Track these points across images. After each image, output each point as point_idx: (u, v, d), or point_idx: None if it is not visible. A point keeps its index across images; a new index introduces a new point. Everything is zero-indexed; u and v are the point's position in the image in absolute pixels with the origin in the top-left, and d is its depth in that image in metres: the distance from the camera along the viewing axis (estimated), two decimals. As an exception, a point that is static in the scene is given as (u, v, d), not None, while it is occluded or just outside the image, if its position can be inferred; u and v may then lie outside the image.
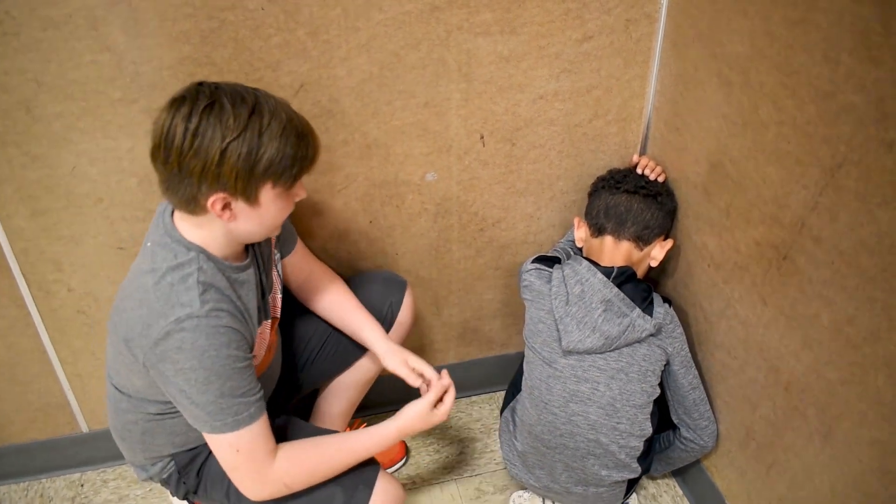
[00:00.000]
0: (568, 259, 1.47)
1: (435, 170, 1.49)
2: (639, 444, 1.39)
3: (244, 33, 1.25)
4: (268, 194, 1.00)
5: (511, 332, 1.82)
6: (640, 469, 1.42)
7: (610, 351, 1.35)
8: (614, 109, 1.51)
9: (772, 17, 1.12)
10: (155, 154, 0.97)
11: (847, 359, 1.08)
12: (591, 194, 1.52)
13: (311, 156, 1.03)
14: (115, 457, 1.68)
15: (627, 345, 1.35)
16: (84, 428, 1.63)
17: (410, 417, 1.20)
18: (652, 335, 1.36)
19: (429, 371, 1.26)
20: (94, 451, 1.67)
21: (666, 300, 1.41)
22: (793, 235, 1.16)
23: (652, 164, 1.50)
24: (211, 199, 0.97)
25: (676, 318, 1.41)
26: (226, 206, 0.99)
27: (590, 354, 1.36)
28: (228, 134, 0.93)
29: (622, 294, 1.35)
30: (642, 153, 1.57)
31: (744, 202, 1.27)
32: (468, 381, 1.86)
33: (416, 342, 1.75)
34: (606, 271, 1.37)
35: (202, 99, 0.95)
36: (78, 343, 1.50)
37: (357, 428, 1.71)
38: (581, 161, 1.57)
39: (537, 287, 1.43)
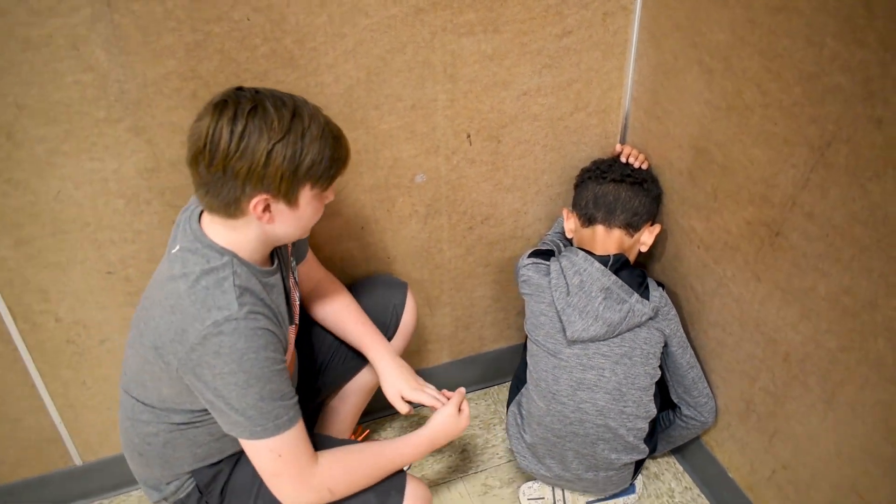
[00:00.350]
0: (561, 251, 1.49)
1: (424, 171, 1.50)
2: (645, 426, 1.43)
3: (230, 45, 1.23)
4: (306, 196, 1.02)
5: (502, 327, 1.84)
6: (647, 449, 1.46)
7: (613, 337, 1.38)
8: (594, 101, 1.55)
9: (753, 6, 1.16)
10: (197, 158, 0.97)
11: (846, 326, 1.13)
12: (577, 186, 1.55)
13: (346, 157, 1.05)
14: (111, 487, 1.63)
15: (629, 330, 1.39)
16: (78, 461, 1.58)
17: (439, 423, 1.24)
18: (651, 318, 1.39)
19: (427, 399, 1.29)
20: (90, 483, 1.61)
21: (659, 284, 1.45)
22: (784, 213, 1.21)
23: (635, 152, 1.53)
24: (254, 201, 0.98)
25: (670, 301, 1.45)
26: (266, 208, 1.00)
27: (594, 342, 1.39)
28: (274, 136, 0.95)
29: (620, 281, 1.38)
30: (622, 143, 1.61)
31: (731, 184, 1.31)
32: (462, 379, 1.87)
33: (410, 345, 1.74)
34: (603, 259, 1.41)
35: (245, 102, 0.96)
36: (68, 374, 1.45)
37: (361, 435, 1.70)
38: (564, 154, 1.60)
39: (536, 281, 1.46)
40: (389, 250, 1.58)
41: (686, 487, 1.63)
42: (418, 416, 1.83)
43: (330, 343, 1.40)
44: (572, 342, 1.39)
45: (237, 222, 1.02)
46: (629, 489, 1.57)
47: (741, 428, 1.45)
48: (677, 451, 1.70)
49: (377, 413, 1.80)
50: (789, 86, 1.13)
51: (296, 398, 1.06)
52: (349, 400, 1.47)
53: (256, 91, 0.98)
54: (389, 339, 1.44)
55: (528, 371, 1.50)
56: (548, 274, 1.45)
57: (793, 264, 1.21)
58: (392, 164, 1.46)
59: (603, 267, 1.39)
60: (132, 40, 1.17)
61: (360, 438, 1.70)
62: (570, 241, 1.57)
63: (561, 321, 1.40)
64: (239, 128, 0.94)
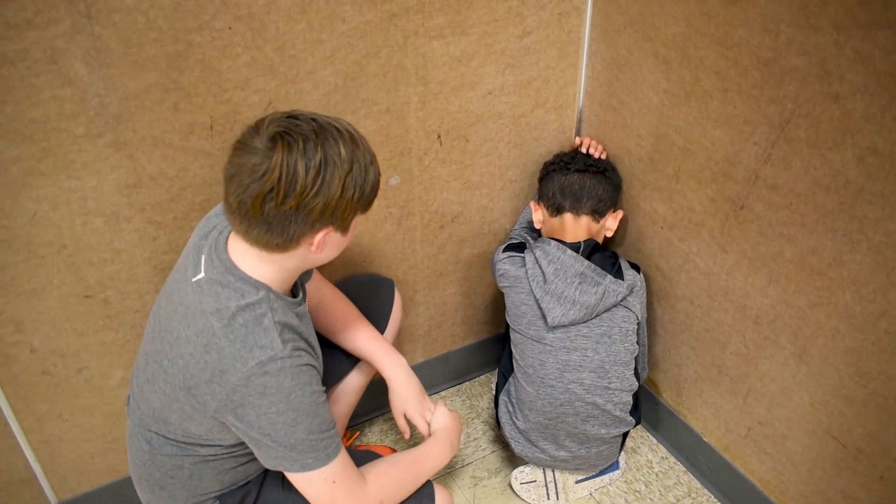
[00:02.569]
0: (533, 242, 1.56)
1: (398, 173, 1.53)
2: (629, 399, 1.51)
3: (212, 54, 1.22)
4: (355, 222, 1.01)
5: (472, 322, 1.88)
6: (633, 421, 1.54)
7: (592, 318, 1.46)
8: (552, 98, 1.63)
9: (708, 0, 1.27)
10: (265, 198, 0.90)
11: (814, 284, 1.25)
12: (542, 179, 1.62)
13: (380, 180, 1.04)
14: (89, 525, 1.55)
15: (606, 310, 1.46)
16: (53, 501, 1.49)
17: (441, 418, 1.29)
18: (627, 296, 1.48)
19: (421, 425, 1.32)
20: (65, 523, 1.53)
21: (634, 266, 1.54)
22: (747, 187, 1.32)
23: (594, 143, 1.62)
24: (318, 235, 0.95)
25: (645, 286, 1.54)
26: (324, 239, 0.97)
27: (574, 325, 1.45)
28: (344, 169, 0.92)
29: (593, 265, 1.46)
30: (577, 136, 1.70)
31: (693, 165, 1.42)
32: (436, 377, 1.90)
33: (386, 347, 1.76)
34: (574, 246, 1.48)
35: (312, 134, 0.92)
36: (44, 407, 1.38)
37: (350, 438, 1.70)
38: (526, 150, 1.67)
39: (513, 273, 1.51)
40: (366, 254, 1.60)
41: (662, 457, 1.73)
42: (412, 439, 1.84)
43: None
44: (553, 327, 1.46)
45: (282, 256, 0.98)
46: (614, 466, 1.65)
47: (714, 393, 1.56)
48: (650, 426, 1.80)
49: (359, 417, 1.80)
50: (747, 71, 1.24)
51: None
52: (341, 402, 1.47)
53: (314, 118, 0.94)
54: (382, 331, 1.46)
55: (513, 360, 1.55)
56: (524, 265, 1.51)
57: (759, 233, 1.32)
58: (368, 167, 1.48)
59: (575, 253, 1.46)
60: (113, 52, 1.14)
61: (349, 441, 1.70)
62: (538, 232, 1.64)
63: (541, 309, 1.46)
64: (314, 162, 0.90)
